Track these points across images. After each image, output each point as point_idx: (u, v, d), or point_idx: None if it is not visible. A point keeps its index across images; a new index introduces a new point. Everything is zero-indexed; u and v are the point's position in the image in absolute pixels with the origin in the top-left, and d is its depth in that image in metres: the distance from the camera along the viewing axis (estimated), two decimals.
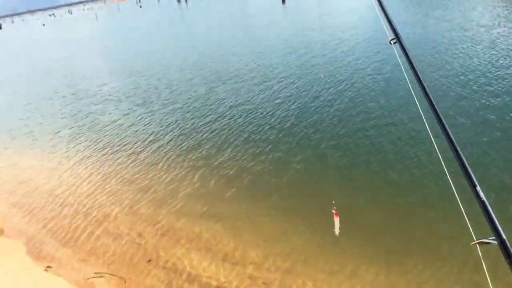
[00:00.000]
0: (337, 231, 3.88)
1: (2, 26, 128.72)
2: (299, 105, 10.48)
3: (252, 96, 11.86)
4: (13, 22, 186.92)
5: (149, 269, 5.61)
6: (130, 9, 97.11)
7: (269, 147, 8.37)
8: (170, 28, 36.49)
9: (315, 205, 6.24)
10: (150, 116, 11.97)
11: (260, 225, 6.13)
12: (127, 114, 12.65)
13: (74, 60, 28.29)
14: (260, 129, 9.38)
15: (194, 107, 12.03)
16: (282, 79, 12.97)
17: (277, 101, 11.11)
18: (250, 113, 10.57)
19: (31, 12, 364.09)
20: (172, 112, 12.02)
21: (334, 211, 3.87)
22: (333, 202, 3.82)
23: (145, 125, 11.27)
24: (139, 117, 12.07)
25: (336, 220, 3.87)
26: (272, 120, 9.74)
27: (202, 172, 7.92)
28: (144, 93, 14.84)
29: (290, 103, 10.71)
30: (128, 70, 19.98)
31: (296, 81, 12.63)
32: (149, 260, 5.76)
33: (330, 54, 15.33)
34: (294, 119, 9.55)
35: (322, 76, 12.44)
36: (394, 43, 2.66)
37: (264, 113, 10.31)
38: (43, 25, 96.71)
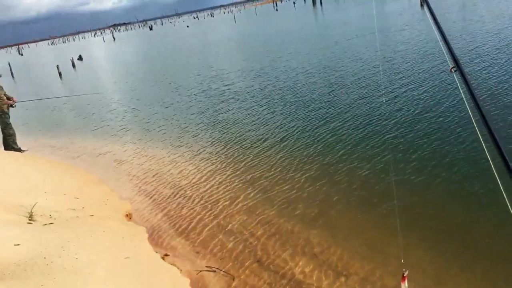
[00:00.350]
0: None
1: (153, 28, 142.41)
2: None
3: (367, 104, 11.21)
4: (162, 23, 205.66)
5: (257, 269, 5.45)
6: (266, 13, 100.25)
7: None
8: (301, 32, 36.62)
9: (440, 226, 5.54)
10: (271, 117, 11.97)
11: (372, 240, 5.63)
12: (250, 113, 12.83)
13: (209, 58, 29.93)
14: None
15: (315, 111, 11.73)
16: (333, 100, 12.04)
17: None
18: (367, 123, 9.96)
19: (178, 15, 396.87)
20: (293, 114, 11.89)
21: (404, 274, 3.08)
22: (402, 261, 3.23)
23: (265, 125, 11.28)
24: (261, 117, 12.13)
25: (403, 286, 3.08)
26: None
27: (318, 176, 7.59)
28: (268, 94, 14.98)
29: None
30: (256, 70, 20.44)
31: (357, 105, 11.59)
32: (258, 261, 5.62)
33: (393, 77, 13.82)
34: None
35: (384, 100, 11.29)
36: (455, 71, 2.49)
37: (370, 122, 9.62)
38: (187, 26, 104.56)
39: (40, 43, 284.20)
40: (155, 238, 6.58)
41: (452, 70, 2.55)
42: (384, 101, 11.28)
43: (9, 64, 47.40)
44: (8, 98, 12.45)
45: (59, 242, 5.28)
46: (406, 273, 3.07)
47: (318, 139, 9.51)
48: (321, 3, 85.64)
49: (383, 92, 12.22)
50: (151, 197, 8.17)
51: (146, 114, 15.36)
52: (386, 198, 6.40)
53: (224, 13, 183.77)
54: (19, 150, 12.55)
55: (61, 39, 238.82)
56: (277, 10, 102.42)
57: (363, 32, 26.96)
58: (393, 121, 9.57)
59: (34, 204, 6.25)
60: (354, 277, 4.96)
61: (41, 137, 14.69)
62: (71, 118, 17.39)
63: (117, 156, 11.05)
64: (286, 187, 7.45)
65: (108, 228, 5.98)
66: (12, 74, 42.91)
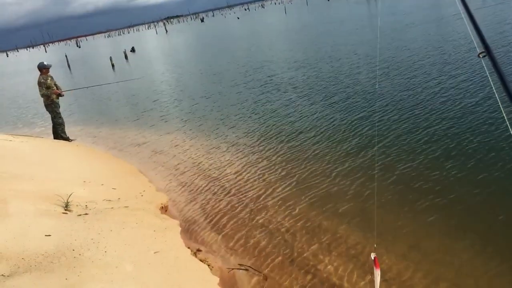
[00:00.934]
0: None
1: (204, 19, 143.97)
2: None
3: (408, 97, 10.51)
4: (213, 15, 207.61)
5: (291, 269, 5.15)
6: (318, 4, 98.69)
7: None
8: (350, 23, 35.58)
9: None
10: (310, 109, 11.57)
11: (417, 242, 5.17)
12: (288, 105, 12.53)
13: (254, 50, 29.66)
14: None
15: (359, 103, 11.20)
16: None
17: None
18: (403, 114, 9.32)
19: (229, 6, 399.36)
20: (334, 106, 11.42)
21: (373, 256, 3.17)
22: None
23: (303, 118, 10.91)
24: (301, 110, 11.75)
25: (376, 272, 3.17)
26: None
27: (361, 174, 7.15)
28: (310, 85, 14.54)
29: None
30: (300, 61, 20.01)
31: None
32: (292, 260, 5.31)
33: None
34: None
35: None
36: (483, 56, 2.33)
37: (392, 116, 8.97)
38: (238, 18, 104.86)
39: (97, 36, 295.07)
40: (189, 232, 6.42)
41: (480, 56, 2.34)
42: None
43: (66, 56, 49.34)
44: (57, 88, 12.76)
45: (90, 234, 5.20)
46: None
47: (356, 132, 9.06)
48: None
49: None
50: (188, 189, 8.03)
51: (188, 105, 15.36)
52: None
53: (276, 3, 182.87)
54: (67, 139, 12.86)
55: (116, 32, 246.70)
56: (328, 0, 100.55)
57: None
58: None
59: (70, 194, 6.24)
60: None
61: (88, 127, 15.00)
62: (116, 108, 17.65)
63: (157, 147, 11.03)
64: (327, 185, 7.06)
65: (141, 220, 5.87)
66: (69, 66, 44.64)
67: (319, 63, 18.56)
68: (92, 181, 7.67)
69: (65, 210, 6.07)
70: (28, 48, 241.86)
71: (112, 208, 6.29)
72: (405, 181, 6.64)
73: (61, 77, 36.49)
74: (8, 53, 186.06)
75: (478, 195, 5.89)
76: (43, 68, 12.48)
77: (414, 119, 9.20)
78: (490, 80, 2.49)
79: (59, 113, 12.80)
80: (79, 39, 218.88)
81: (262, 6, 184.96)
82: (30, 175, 7.54)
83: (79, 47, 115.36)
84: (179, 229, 5.78)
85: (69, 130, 13.29)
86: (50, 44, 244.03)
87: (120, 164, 9.69)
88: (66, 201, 6.10)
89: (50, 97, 12.47)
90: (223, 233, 6.23)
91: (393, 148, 7.87)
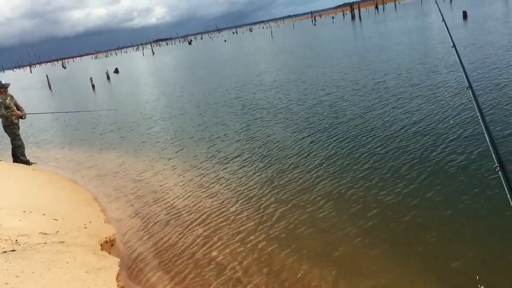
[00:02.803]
0: None
1: (192, 42, 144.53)
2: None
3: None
4: (201, 38, 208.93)
5: None
6: (304, 27, 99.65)
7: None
8: (338, 45, 35.47)
9: None
10: (310, 128, 10.98)
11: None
12: (287, 127, 11.92)
13: (242, 70, 29.22)
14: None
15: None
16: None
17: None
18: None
19: (218, 30, 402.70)
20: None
21: None
22: None
23: (299, 141, 10.30)
24: (304, 133, 11.17)
25: None
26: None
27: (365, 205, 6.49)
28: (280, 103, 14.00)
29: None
30: (281, 81, 19.56)
31: None
32: None
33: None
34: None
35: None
36: None
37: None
38: (225, 41, 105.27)
39: (85, 57, 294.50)
40: (133, 271, 5.66)
41: None
42: None
43: (47, 76, 48.51)
44: (18, 109, 12.00)
45: (6, 276, 4.43)
46: None
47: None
48: (359, 17, 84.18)
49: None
50: (142, 220, 7.28)
51: (162, 129, 14.58)
52: None
53: (263, 28, 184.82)
54: (27, 162, 12.06)
55: (104, 53, 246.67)
56: (315, 24, 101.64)
57: (392, 42, 25.57)
58: None
59: None
60: None
61: (53, 149, 14.19)
62: (87, 132, 16.53)
63: (123, 173, 10.24)
64: (301, 225, 6.38)
65: (74, 258, 5.10)
66: (49, 87, 43.78)
67: (294, 82, 18.08)
68: (34, 210, 6.89)
69: None
70: (14, 69, 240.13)
71: (45, 243, 5.52)
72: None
73: (42, 98, 35.69)
74: None
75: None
76: (0, 88, 11.73)
77: None
78: None
79: (19, 135, 12.01)
80: (65, 60, 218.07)
81: (250, 30, 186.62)
82: None
83: (65, 68, 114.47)
84: (117, 269, 5.01)
85: (32, 153, 12.50)
86: (36, 65, 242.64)
87: (75, 191, 8.91)
88: None
89: (9, 118, 11.71)
90: (172, 274, 5.48)
91: None
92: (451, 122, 9.12)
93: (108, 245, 6.13)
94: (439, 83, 13.14)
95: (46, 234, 5.87)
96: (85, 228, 6.37)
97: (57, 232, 6.01)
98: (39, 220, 6.42)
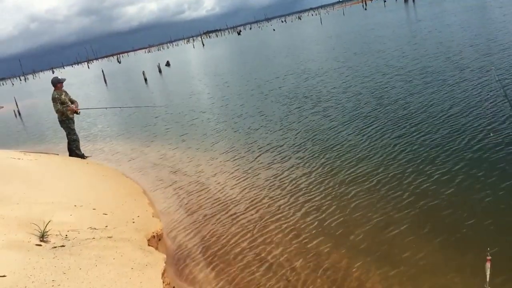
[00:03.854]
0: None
1: (241, 32, 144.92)
2: None
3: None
4: (250, 28, 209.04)
5: None
6: (355, 13, 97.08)
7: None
8: (386, 29, 34.15)
9: None
10: (329, 124, 10.56)
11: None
12: (306, 118, 11.52)
13: (286, 60, 28.78)
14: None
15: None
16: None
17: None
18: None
19: (267, 19, 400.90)
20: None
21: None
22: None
23: (315, 135, 9.90)
24: (317, 125, 10.77)
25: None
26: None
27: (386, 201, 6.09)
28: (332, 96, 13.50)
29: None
30: (317, 71, 18.99)
31: None
32: None
33: None
34: None
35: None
36: None
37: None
38: (274, 29, 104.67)
39: (139, 51, 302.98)
40: (179, 267, 5.58)
41: None
42: None
43: (102, 71, 50.20)
44: (72, 103, 12.31)
45: (54, 274, 4.44)
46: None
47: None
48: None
49: None
50: (192, 214, 7.20)
51: (213, 124, 14.44)
52: None
53: (312, 15, 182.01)
54: (82, 156, 12.38)
55: (157, 47, 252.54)
56: (365, 9, 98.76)
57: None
58: None
59: (48, 222, 5.54)
60: None
61: (108, 143, 14.53)
62: (141, 126, 16.85)
63: (172, 166, 10.24)
64: (347, 218, 6.06)
65: (121, 254, 5.06)
66: (105, 81, 45.27)
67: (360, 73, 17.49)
68: (84, 204, 6.97)
69: (41, 240, 5.37)
70: (73, 65, 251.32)
71: (94, 238, 5.53)
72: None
73: (98, 92, 36.98)
74: (54, 70, 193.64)
75: None
76: (57, 83, 12.07)
77: None
78: None
79: (74, 129, 12.35)
80: (120, 55, 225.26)
81: (299, 18, 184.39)
82: (19, 197, 6.94)
83: (120, 62, 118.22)
84: (163, 265, 4.91)
85: (87, 146, 12.84)
86: (94, 61, 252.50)
87: (125, 184, 9.00)
88: (42, 230, 5.40)
89: (65, 113, 12.05)
90: (221, 272, 5.33)
91: None
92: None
93: (155, 240, 6.08)
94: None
95: (95, 229, 5.89)
96: (133, 222, 6.36)
97: (106, 226, 6.02)
98: (89, 215, 6.47)
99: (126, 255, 5.09)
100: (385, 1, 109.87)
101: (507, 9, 27.35)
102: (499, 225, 4.83)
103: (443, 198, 5.71)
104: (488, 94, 9.77)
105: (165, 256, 5.25)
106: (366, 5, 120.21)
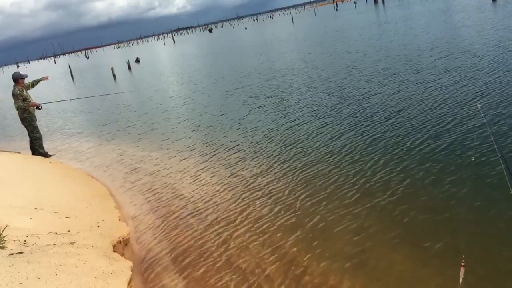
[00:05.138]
0: None
1: (212, 30, 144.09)
2: None
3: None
4: (222, 26, 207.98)
5: None
6: (326, 13, 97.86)
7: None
8: (353, 31, 34.49)
9: None
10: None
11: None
12: (265, 116, 11.41)
13: (254, 58, 28.63)
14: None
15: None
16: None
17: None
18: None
19: (239, 18, 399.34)
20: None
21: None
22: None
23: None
24: (266, 124, 10.67)
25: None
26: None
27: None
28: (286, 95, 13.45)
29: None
30: (290, 68, 18.95)
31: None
32: None
33: None
34: None
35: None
36: None
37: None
38: (246, 28, 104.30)
39: (107, 47, 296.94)
40: (147, 274, 5.31)
41: None
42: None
43: (69, 67, 48.85)
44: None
45: (10, 284, 4.11)
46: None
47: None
48: (383, 1, 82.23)
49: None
50: (162, 217, 6.92)
51: (185, 119, 14.18)
52: None
53: (284, 14, 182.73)
54: (45, 155, 11.87)
55: (126, 43, 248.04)
56: (337, 10, 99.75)
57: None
58: None
59: (5, 227, 5.17)
60: None
61: (74, 140, 14.01)
62: (107, 122, 16.33)
63: (140, 167, 9.90)
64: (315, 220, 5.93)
65: (84, 262, 4.76)
66: (72, 77, 44.03)
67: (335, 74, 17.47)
68: (46, 207, 6.60)
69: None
70: (39, 60, 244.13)
71: (55, 244, 5.20)
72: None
73: (63, 88, 35.86)
74: (19, 64, 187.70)
75: None
76: (18, 78, 11.50)
77: None
78: None
79: (36, 126, 11.82)
80: (88, 50, 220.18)
81: (271, 17, 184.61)
82: None
83: (88, 58, 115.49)
84: (129, 274, 4.65)
85: (51, 145, 12.31)
86: (61, 56, 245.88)
87: (91, 185, 8.62)
88: None
89: (27, 110, 11.50)
90: (189, 278, 5.10)
91: None
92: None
93: (122, 246, 5.80)
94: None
95: (56, 234, 5.55)
96: (98, 227, 6.04)
97: (68, 231, 5.70)
98: (51, 219, 6.12)
99: (89, 262, 4.79)
100: (355, 3, 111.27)
101: (468, 14, 28.08)
102: (474, 232, 4.77)
103: (419, 205, 5.65)
104: (447, 95, 9.88)
105: (131, 263, 4.98)
106: (337, 6, 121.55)
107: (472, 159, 6.36)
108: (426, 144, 7.52)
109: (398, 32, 26.54)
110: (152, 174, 9.11)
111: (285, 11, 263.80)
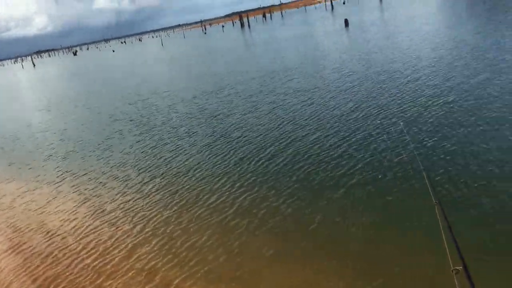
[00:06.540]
0: None
1: (77, 53, 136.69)
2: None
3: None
4: (88, 49, 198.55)
5: None
6: (195, 36, 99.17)
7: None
8: (217, 53, 35.55)
9: None
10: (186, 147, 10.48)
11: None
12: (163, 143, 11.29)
13: (119, 81, 27.89)
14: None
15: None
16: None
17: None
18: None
19: (106, 40, 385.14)
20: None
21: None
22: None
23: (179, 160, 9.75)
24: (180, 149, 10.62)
25: None
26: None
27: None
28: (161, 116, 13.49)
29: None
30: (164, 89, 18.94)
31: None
32: None
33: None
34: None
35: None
36: None
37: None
38: (113, 51, 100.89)
39: None
40: None
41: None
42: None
43: None
44: None
45: None
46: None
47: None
48: (249, 25, 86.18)
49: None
50: (24, 254, 6.30)
51: (35, 150, 13.17)
52: None
53: (153, 37, 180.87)
54: None
55: None
56: (205, 33, 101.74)
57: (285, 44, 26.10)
58: None
59: None
60: None
61: None
62: None
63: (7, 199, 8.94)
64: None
65: None
66: None
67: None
68: None
69: None
70: None
71: None
72: None
73: None
74: None
75: None
76: None
77: None
78: None
79: None
80: None
81: (140, 40, 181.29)
82: None
83: None
84: None
85: None
86: None
87: None
88: None
89: None
90: None
91: None
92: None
93: None
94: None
95: None
96: None
97: None
98: None
99: None
100: (223, 26, 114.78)
101: (328, 36, 30.77)
102: (383, 255, 4.87)
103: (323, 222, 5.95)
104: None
105: None
106: (205, 29, 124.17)
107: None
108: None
109: (262, 56, 27.91)
110: (12, 208, 8.26)
111: (154, 33, 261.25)
